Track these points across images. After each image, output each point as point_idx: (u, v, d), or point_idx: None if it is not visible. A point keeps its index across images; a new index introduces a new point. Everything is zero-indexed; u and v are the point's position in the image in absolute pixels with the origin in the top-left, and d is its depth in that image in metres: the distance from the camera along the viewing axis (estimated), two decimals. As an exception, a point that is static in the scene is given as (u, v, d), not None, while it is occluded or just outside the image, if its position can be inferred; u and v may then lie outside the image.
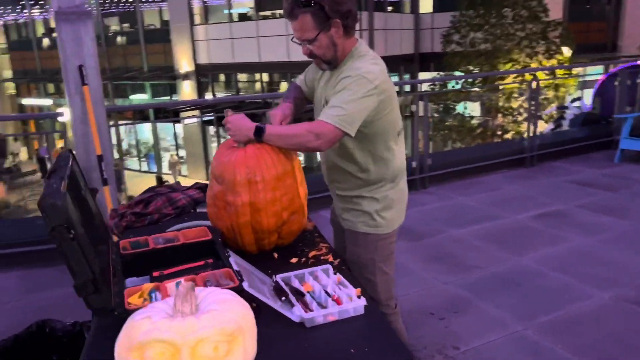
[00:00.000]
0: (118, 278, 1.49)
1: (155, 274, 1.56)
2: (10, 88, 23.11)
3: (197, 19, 17.28)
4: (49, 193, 1.13)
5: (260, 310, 1.33)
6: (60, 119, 3.51)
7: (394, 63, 16.62)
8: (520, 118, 12.71)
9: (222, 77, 18.20)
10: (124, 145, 20.17)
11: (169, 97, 18.66)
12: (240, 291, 1.25)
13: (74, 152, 1.60)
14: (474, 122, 13.96)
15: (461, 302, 2.94)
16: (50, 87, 21.92)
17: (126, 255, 1.60)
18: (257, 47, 15.65)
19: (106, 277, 1.36)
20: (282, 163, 1.75)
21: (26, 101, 22.74)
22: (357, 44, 1.79)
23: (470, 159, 5.44)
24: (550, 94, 12.71)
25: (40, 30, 22.16)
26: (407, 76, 17.77)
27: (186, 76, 17.46)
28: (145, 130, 19.54)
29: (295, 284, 1.54)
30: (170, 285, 1.39)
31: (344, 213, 1.95)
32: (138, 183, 16.28)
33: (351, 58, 1.75)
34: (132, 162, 19.88)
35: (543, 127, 11.05)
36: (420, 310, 2.86)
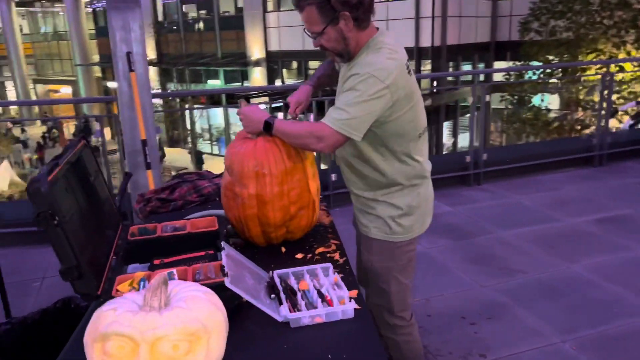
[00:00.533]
0: (117, 264, 1.53)
1: (156, 261, 1.58)
2: (97, 71, 24.59)
3: (270, 6, 17.49)
4: (36, 179, 1.16)
5: (241, 307, 1.31)
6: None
7: (467, 51, 16.03)
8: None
9: (293, 64, 18.36)
10: (197, 129, 20.97)
11: (240, 84, 19.10)
12: (224, 287, 1.24)
13: (89, 139, 1.64)
14: (551, 115, 13.20)
15: (497, 307, 2.79)
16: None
17: (132, 241, 1.64)
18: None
19: (100, 262, 1.39)
20: (291, 157, 1.71)
21: (110, 84, 24.11)
22: (376, 34, 1.66)
23: (531, 156, 5.14)
24: (638, 88, 11.75)
25: (125, 16, 23.32)
26: (481, 65, 17.09)
27: (257, 63, 17.77)
28: (218, 115, 20.13)
29: (292, 281, 1.51)
30: (162, 274, 1.41)
31: (360, 216, 1.87)
32: (211, 165, 16.90)
33: (366, 50, 1.63)
34: (204, 146, 20.61)
35: (617, 123, 10.26)
36: (452, 313, 2.75)
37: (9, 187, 14.85)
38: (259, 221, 1.72)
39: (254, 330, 1.31)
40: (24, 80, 26.88)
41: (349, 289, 1.49)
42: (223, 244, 1.46)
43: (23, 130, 23.09)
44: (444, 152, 15.55)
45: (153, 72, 21.81)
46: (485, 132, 5.13)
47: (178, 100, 17.98)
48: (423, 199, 1.80)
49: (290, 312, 1.35)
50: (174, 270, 1.42)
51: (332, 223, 2.02)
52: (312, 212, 1.81)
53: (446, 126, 16.79)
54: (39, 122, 25.32)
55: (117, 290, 1.33)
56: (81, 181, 1.50)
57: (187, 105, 17.36)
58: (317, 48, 1.69)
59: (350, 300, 1.39)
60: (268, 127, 1.66)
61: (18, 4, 27.87)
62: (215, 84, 20.37)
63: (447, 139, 17.06)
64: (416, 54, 14.48)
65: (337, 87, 1.80)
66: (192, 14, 21.32)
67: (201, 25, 20.39)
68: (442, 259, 3.38)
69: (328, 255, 1.73)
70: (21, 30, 28.49)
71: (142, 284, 1.36)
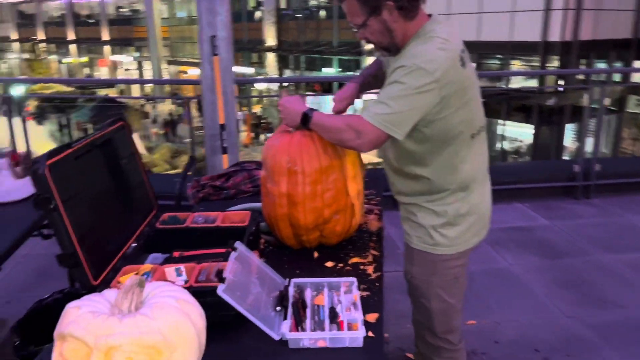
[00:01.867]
0: (137, 252, 1.48)
1: (176, 254, 1.51)
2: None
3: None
4: (36, 161, 1.14)
5: (241, 317, 1.19)
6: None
7: (603, 48, 14.45)
8: None
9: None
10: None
11: (353, 72, 19.06)
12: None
13: (126, 122, 1.61)
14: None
15: (579, 344, 2.41)
16: (254, 57, 23.99)
17: (157, 229, 1.60)
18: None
19: (109, 250, 1.35)
20: (328, 155, 1.56)
21: (233, 69, 25.34)
22: (427, 22, 1.45)
23: (657, 171, 4.45)
24: None
25: (251, 3, 24.26)
26: (618, 64, 15.34)
27: (370, 52, 17.56)
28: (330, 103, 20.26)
29: (308, 293, 1.36)
30: (169, 270, 1.34)
31: (403, 222, 1.69)
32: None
33: (415, 39, 1.44)
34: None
35: None
36: (524, 343, 2.42)
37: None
38: (290, 222, 1.59)
39: (248, 345, 1.19)
40: (159, 60, 29.14)
41: (371, 311, 1.32)
42: (237, 244, 1.35)
43: (154, 107, 25.07)
44: (565, 157, 14.26)
45: (272, 58, 22.55)
46: (598, 138, 4.51)
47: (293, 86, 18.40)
48: (474, 207, 1.58)
49: (292, 330, 1.21)
50: (182, 266, 1.34)
51: (380, 230, 1.84)
52: (350, 216, 1.64)
53: (569, 128, 15.39)
54: (169, 100, 27.35)
55: (118, 282, 1.27)
56: (107, 164, 1.48)
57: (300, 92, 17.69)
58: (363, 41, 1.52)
59: (362, 326, 1.22)
60: (306, 120, 1.52)
61: (159, -9, 30.17)
62: (329, 71, 20.52)
63: (569, 143, 15.64)
64: (542, 48, 13.35)
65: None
66: (313, 1, 21.60)
67: (321, 13, 20.58)
68: (525, 279, 3.02)
69: (361, 267, 1.56)
70: (160, 13, 30.89)
71: (146, 277, 1.30)
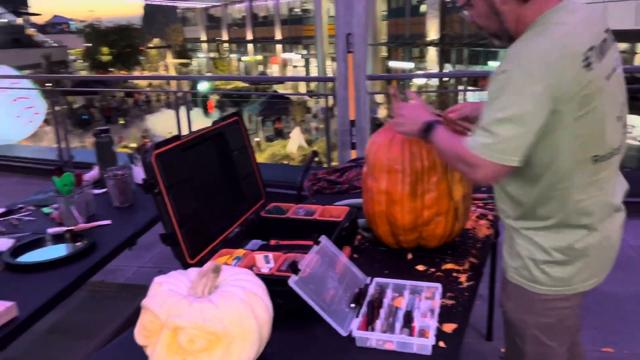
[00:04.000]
0: (239, 237, 1.60)
1: (272, 242, 1.61)
2: (383, 51, 26.14)
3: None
4: (145, 150, 1.29)
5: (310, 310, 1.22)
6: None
7: None
8: None
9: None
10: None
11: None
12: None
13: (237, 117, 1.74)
14: None
15: None
16: (415, 52, 23.78)
17: (261, 217, 1.70)
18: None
19: (210, 233, 1.48)
20: (431, 155, 1.51)
21: (392, 64, 25.40)
22: (552, 8, 1.19)
23: None
24: None
25: (415, -3, 24.08)
26: None
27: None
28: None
29: (388, 294, 1.34)
30: (258, 256, 1.42)
31: (504, 245, 1.43)
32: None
33: (531, 30, 1.19)
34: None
35: None
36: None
37: (297, 149, 17.19)
38: (387, 220, 1.58)
39: (317, 338, 1.22)
40: (324, 57, 30.45)
41: (451, 321, 1.25)
42: (322, 238, 1.39)
43: (317, 102, 26.31)
44: None
45: (433, 52, 22.10)
46: None
47: (453, 81, 17.84)
48: (594, 246, 1.28)
49: (361, 328, 1.21)
50: (271, 254, 1.41)
51: (489, 237, 1.72)
52: (452, 220, 1.57)
53: None
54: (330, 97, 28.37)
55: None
56: (217, 155, 1.61)
57: (460, 87, 17.07)
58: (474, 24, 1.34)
59: (434, 334, 1.16)
60: (428, 130, 1.34)
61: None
62: (495, 65, 19.46)
63: None
64: None
65: None
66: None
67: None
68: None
69: (454, 274, 1.49)
70: (328, 12, 32.23)
71: (235, 261, 1.40)
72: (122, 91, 24.26)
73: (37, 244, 1.80)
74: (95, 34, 32.01)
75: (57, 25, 41.68)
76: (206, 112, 21.40)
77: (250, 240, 1.63)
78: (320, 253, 1.35)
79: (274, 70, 33.63)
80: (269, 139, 21.16)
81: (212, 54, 38.86)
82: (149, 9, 43.09)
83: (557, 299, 1.31)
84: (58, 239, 1.84)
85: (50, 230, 1.90)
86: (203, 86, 22.56)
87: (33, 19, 40.77)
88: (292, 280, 1.20)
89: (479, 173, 1.19)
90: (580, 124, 1.16)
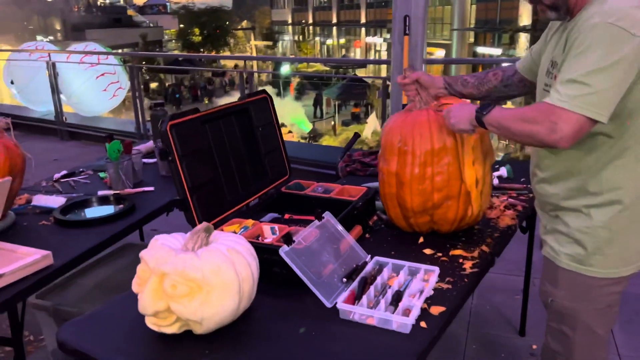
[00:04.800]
0: (256, 209, 1.68)
1: (287, 216, 1.68)
2: (471, 36, 25.20)
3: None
4: (162, 121, 1.39)
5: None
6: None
7: None
8: None
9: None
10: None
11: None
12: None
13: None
14: None
15: None
16: (505, 38, 22.71)
17: (280, 193, 1.77)
18: None
19: (223, 202, 1.56)
20: (442, 137, 1.50)
21: (480, 49, 24.42)
22: None
23: None
24: None
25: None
26: None
27: None
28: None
29: (386, 272, 1.36)
30: (266, 227, 1.49)
31: (546, 235, 1.44)
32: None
33: (595, 2, 1.20)
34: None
35: None
36: None
37: (371, 135, 17.15)
38: (398, 202, 1.59)
39: (304, 306, 1.26)
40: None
41: (440, 304, 1.26)
42: (326, 214, 1.43)
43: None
44: None
45: (524, 38, 20.98)
46: None
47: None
48: None
49: (347, 302, 1.24)
50: (277, 226, 1.48)
51: (511, 227, 1.68)
52: (465, 205, 1.55)
53: None
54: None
55: (222, 230, 1.48)
56: (239, 129, 1.69)
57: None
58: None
59: (417, 314, 1.18)
60: (480, 117, 1.31)
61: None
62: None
63: None
64: None
65: (539, 72, 1.40)
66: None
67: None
68: None
69: (460, 260, 1.47)
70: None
71: (242, 230, 1.48)
72: (192, 70, 25.01)
73: (84, 203, 1.98)
74: (188, 15, 33.47)
75: (154, 7, 44.03)
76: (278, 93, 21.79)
77: (268, 213, 1.70)
78: (321, 228, 1.40)
79: (356, 54, 33.49)
80: (345, 123, 21.23)
81: (296, 37, 39.36)
82: (240, -9, 44.30)
83: (612, 283, 1.32)
84: (103, 200, 2.02)
85: (100, 193, 2.08)
86: (285, 69, 22.98)
87: (133, 0, 43.33)
88: (283, 250, 1.25)
89: (562, 131, 1.13)
90: None
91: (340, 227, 1.44)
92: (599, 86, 1.11)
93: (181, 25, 34.71)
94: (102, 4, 37.20)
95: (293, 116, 18.35)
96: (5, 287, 1.39)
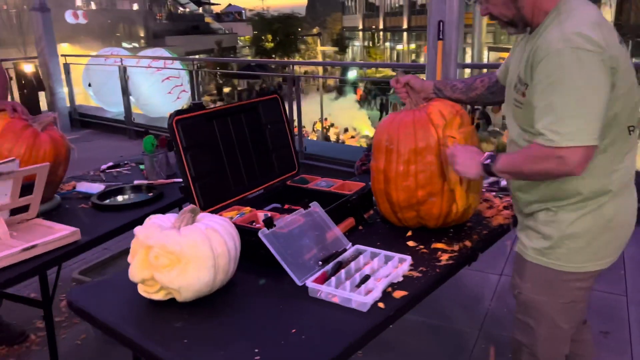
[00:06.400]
0: (259, 200, 1.83)
1: (286, 206, 1.82)
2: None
3: None
4: (171, 115, 1.58)
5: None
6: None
7: None
8: None
9: None
10: None
11: None
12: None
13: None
14: None
15: None
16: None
17: (284, 185, 1.91)
18: None
19: (226, 191, 1.73)
20: (426, 137, 1.59)
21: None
22: None
23: None
24: None
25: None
26: None
27: None
28: None
29: (362, 258, 1.47)
30: (260, 214, 1.65)
31: (520, 231, 1.50)
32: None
33: (556, 17, 1.25)
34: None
35: None
36: None
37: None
38: (386, 198, 1.68)
39: (278, 284, 1.39)
40: (481, 47, 29.14)
41: (404, 289, 1.35)
42: (313, 204, 1.56)
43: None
44: None
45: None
46: None
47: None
48: (618, 219, 1.35)
49: (316, 281, 1.36)
50: (269, 214, 1.62)
51: (502, 226, 1.72)
52: (449, 202, 1.62)
53: None
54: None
55: (221, 215, 1.64)
56: (247, 126, 1.85)
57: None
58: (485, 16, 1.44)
59: (377, 295, 1.28)
60: (489, 169, 1.37)
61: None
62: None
63: None
64: None
65: (507, 83, 1.46)
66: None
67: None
68: None
69: (438, 253, 1.55)
70: (490, 0, 30.64)
71: (238, 215, 1.63)
72: (263, 75, 25.75)
73: (119, 191, 2.23)
74: (262, 22, 34.49)
75: (230, 14, 45.76)
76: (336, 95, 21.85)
77: (271, 204, 1.85)
78: (307, 216, 1.53)
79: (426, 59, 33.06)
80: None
81: (366, 43, 39.47)
82: (312, -2, 45.10)
83: (576, 278, 1.37)
84: (136, 189, 2.25)
85: (135, 182, 2.32)
86: (353, 74, 23.15)
87: (212, 8, 45.27)
88: (261, 233, 1.39)
89: (570, 163, 1.18)
90: (630, 93, 1.25)
91: (327, 218, 1.56)
92: (589, 116, 1.17)
93: (255, 32, 35.83)
94: (182, 13, 39.16)
95: (356, 121, 18.45)
96: (38, 256, 1.63)
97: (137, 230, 1.33)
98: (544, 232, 1.37)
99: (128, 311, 1.31)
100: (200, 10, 41.91)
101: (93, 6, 30.96)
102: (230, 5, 47.43)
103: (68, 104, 6.92)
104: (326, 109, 15.07)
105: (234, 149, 1.78)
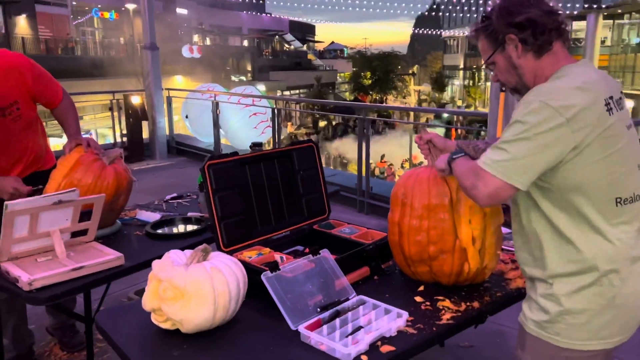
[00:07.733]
0: (284, 241, 1.94)
1: (306, 250, 1.90)
2: None
3: None
4: (204, 161, 1.74)
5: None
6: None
7: None
8: None
9: None
10: None
11: None
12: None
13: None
14: None
15: None
16: None
17: (310, 230, 2.00)
18: None
19: (250, 232, 1.85)
20: (439, 194, 1.61)
21: None
22: (569, 65, 1.29)
23: None
24: None
25: None
26: None
27: None
28: None
29: (360, 310, 1.51)
30: (276, 256, 1.75)
31: (525, 300, 1.44)
32: None
33: (551, 80, 1.29)
34: None
35: None
36: None
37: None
38: (400, 250, 1.71)
39: (274, 324, 1.46)
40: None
41: (400, 346, 1.37)
42: (323, 251, 1.63)
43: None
44: None
45: None
46: None
47: None
48: (620, 298, 1.27)
49: (309, 328, 1.42)
50: (285, 256, 1.72)
51: (520, 290, 1.68)
52: (460, 260, 1.62)
53: None
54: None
55: (242, 254, 1.76)
56: (281, 172, 1.97)
57: None
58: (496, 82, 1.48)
59: (362, 347, 1.32)
60: (450, 161, 1.46)
61: (606, 17, 28.36)
62: None
63: None
64: None
65: None
66: None
67: None
68: None
69: (441, 312, 1.55)
70: (603, 42, 29.01)
71: (257, 255, 1.75)
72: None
73: (172, 221, 2.43)
74: (361, 59, 35.35)
75: (332, 52, 47.40)
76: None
77: (295, 246, 1.95)
78: (315, 262, 1.60)
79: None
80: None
81: (466, 82, 38.87)
82: (415, 37, 45.46)
83: (578, 356, 1.30)
84: (186, 220, 2.45)
85: (189, 214, 2.53)
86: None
87: (315, 45, 47.17)
88: (264, 275, 1.49)
89: (481, 189, 1.24)
90: (604, 163, 1.22)
91: (334, 264, 1.62)
92: (518, 154, 1.20)
93: (354, 69, 36.74)
94: (287, 49, 41.20)
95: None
96: (85, 276, 1.84)
97: (154, 263, 1.48)
98: (542, 304, 1.32)
99: (137, 335, 1.46)
100: (304, 47, 43.81)
101: (208, 42, 33.55)
102: (333, 43, 49.13)
103: (167, 133, 7.57)
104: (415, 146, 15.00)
105: (264, 192, 1.91)
